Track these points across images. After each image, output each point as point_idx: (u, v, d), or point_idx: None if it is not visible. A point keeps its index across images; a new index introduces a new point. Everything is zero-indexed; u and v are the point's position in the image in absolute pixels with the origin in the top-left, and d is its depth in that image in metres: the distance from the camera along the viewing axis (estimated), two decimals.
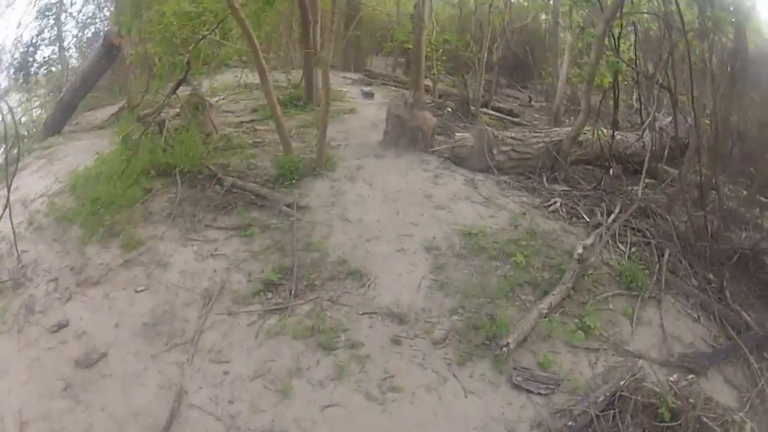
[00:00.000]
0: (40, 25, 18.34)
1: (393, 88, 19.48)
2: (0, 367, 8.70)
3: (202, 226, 11.03)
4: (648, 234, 11.11)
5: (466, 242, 10.49)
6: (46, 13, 18.01)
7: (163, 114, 13.37)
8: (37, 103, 18.35)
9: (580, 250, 9.73)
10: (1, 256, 10.63)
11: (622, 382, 7.95)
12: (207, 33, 11.79)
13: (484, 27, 18.95)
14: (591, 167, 14.07)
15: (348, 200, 11.57)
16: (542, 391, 8.12)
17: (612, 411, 7.74)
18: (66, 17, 18.44)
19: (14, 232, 10.46)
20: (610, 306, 9.51)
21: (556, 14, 20.93)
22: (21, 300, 9.72)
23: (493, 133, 12.97)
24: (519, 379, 8.22)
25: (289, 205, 11.27)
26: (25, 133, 16.47)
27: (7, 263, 10.43)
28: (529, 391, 8.13)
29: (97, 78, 16.23)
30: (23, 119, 18.00)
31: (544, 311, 9.03)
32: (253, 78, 17.30)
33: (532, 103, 22.12)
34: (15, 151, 12.99)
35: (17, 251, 10.47)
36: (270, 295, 9.71)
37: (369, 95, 17.97)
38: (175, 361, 8.68)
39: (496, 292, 9.52)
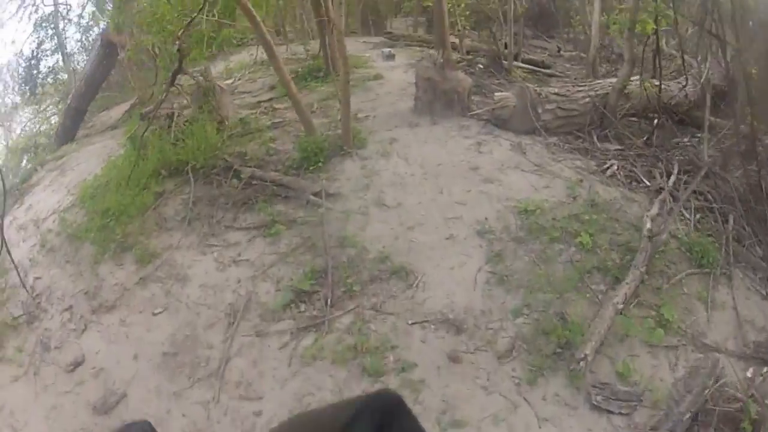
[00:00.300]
0: (39, 36, 16.93)
1: (417, 48, 17.19)
2: (19, 419, 7.42)
3: (221, 228, 9.20)
4: (710, 197, 9.48)
5: (522, 222, 8.59)
6: (43, 24, 16.25)
7: (173, 105, 11.55)
8: (52, 111, 16.67)
9: (648, 225, 8.31)
10: (15, 287, 9.28)
11: (706, 391, 6.61)
12: (195, 15, 9.67)
13: None
14: (636, 119, 12.11)
15: (383, 181, 9.50)
16: (623, 411, 6.61)
17: (696, 428, 6.46)
18: (65, 24, 16.66)
19: (17, 268, 9.16)
20: (684, 289, 7.89)
21: None
22: (36, 336, 8.42)
23: (536, 90, 10.83)
24: (599, 398, 6.66)
25: (316, 194, 9.24)
26: (45, 141, 15.48)
27: (21, 294, 9.10)
28: (609, 412, 6.60)
29: (102, 79, 14.85)
30: (42, 128, 16.96)
31: (620, 305, 7.37)
32: None
33: (562, 53, 19.93)
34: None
35: (25, 286, 9.10)
36: (303, 306, 7.89)
37: (390, 57, 15.74)
38: (199, 401, 7.11)
39: (563, 284, 7.76)
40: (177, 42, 9.81)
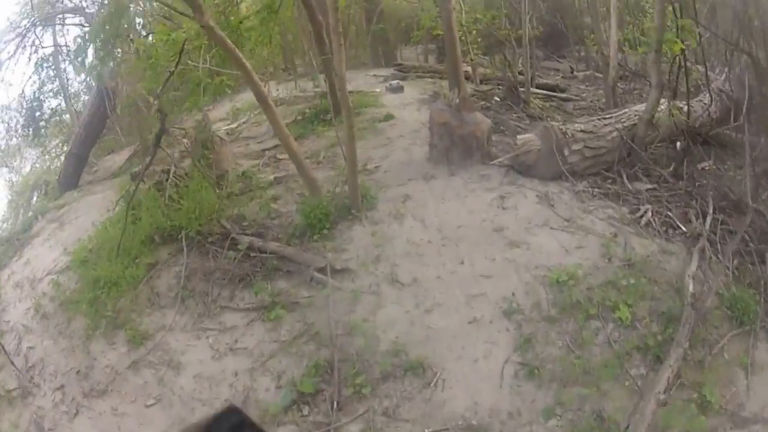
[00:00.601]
0: (40, 77, 15.42)
1: (429, 79, 15.70)
2: None
3: (216, 308, 7.86)
4: (745, 236, 8.16)
5: (555, 296, 7.17)
6: (44, 65, 14.97)
7: (174, 154, 10.32)
8: (57, 153, 15.61)
9: (691, 288, 7.04)
10: (9, 354, 8.30)
11: None
12: (173, 70, 8.51)
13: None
14: (661, 144, 10.60)
15: (397, 251, 7.98)
16: None
17: None
18: (66, 66, 15.39)
19: (7, 353, 8.30)
20: (726, 356, 6.72)
21: None
22: (30, 412, 7.49)
23: (561, 130, 9.28)
24: None
25: (321, 269, 7.76)
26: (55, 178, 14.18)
27: (15, 362, 8.16)
28: None
29: (101, 126, 13.48)
30: (52, 167, 15.65)
31: (661, 396, 6.17)
32: (279, 92, 14.50)
33: (575, 73, 18.57)
34: None
35: (14, 364, 8.12)
36: (306, 409, 6.57)
37: (398, 89, 14.23)
38: None
39: (600, 372, 6.48)
40: (155, 101, 8.39)
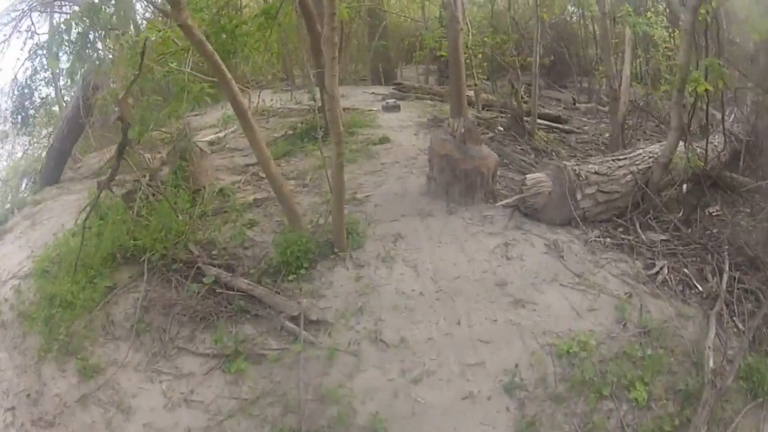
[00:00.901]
0: (33, 65, 14.19)
1: (429, 101, 14.50)
2: None
3: (173, 349, 6.70)
4: (761, 295, 7.25)
5: (564, 369, 6.05)
6: (38, 52, 13.81)
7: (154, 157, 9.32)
8: (45, 144, 14.34)
9: (711, 364, 6.16)
10: None
11: None
12: (137, 75, 7.24)
13: (520, 25, 15.23)
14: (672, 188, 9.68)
15: (383, 302, 6.72)
16: None
17: None
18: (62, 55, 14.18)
19: None
20: None
21: (603, 5, 15.53)
22: None
23: (575, 172, 8.08)
24: None
25: (294, 318, 6.51)
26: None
27: None
28: None
29: (83, 124, 12.21)
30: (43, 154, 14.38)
31: None
32: (274, 102, 13.35)
33: (577, 105, 17.46)
34: None
35: None
36: None
37: (394, 108, 12.97)
38: None
39: None
40: (117, 108, 7.17)
